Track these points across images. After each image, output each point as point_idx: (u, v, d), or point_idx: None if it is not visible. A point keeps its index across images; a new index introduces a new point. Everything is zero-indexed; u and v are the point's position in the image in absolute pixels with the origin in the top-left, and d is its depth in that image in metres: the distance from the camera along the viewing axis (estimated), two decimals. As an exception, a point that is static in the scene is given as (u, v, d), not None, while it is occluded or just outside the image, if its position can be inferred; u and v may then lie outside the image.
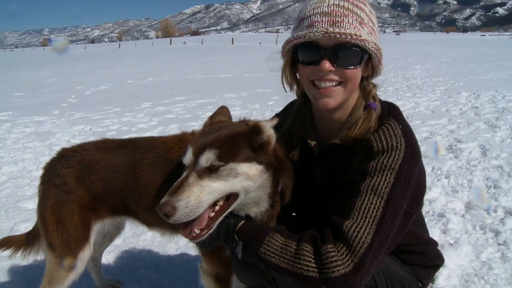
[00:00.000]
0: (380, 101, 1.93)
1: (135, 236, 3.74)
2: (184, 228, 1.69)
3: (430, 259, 2.13)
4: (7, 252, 2.63)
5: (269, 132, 1.78)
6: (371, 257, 1.57)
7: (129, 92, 13.72)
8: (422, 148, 5.87)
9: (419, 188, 1.82)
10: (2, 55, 48.12)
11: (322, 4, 1.73)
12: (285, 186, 1.89)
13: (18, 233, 3.87)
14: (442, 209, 3.92)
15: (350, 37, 1.66)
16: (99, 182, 2.24)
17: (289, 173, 1.90)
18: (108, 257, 3.43)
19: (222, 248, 1.94)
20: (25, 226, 3.98)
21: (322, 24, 1.70)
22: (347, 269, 1.53)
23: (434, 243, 2.21)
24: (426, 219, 3.52)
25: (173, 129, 7.88)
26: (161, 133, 7.65)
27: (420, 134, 6.52)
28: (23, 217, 4.27)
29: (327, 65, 1.73)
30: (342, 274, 1.53)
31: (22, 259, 2.65)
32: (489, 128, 6.82)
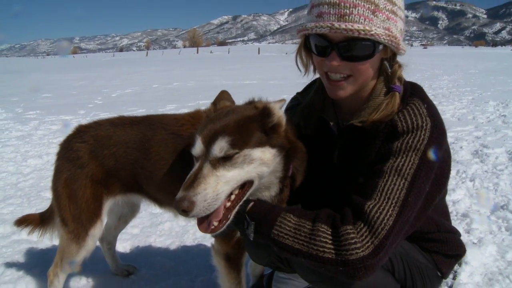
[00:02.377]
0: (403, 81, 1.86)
1: (153, 226, 3.74)
2: (200, 222, 1.63)
3: (451, 247, 2.05)
4: (26, 229, 2.65)
5: (279, 113, 1.74)
6: (392, 240, 1.51)
7: (154, 95, 13.86)
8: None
9: (443, 169, 1.75)
10: (34, 62, 49.42)
11: None
12: (295, 170, 1.84)
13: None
14: (466, 210, 3.81)
15: (357, 33, 1.59)
16: (112, 157, 2.24)
17: (301, 156, 1.84)
18: (125, 244, 3.44)
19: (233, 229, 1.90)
20: (46, 213, 4.03)
21: (329, 16, 1.62)
22: (366, 252, 1.48)
23: (455, 232, 2.13)
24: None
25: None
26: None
27: (445, 140, 6.39)
28: (44, 205, 4.28)
29: (335, 60, 1.68)
30: (360, 256, 1.47)
31: (39, 237, 2.67)
32: (517, 136, 6.62)
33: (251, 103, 1.86)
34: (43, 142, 7.35)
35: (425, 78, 17.11)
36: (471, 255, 2.90)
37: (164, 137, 2.15)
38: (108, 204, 2.32)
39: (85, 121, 8.96)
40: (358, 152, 1.79)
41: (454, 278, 2.68)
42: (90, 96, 13.77)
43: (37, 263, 3.16)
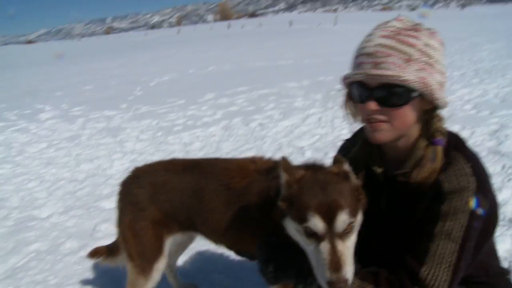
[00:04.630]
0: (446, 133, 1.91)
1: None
2: None
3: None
4: (97, 260, 2.93)
5: (354, 177, 1.81)
6: None
7: (191, 82, 14.07)
8: (491, 143, 5.71)
9: (491, 220, 1.83)
10: (70, 46, 50.49)
11: (369, 43, 1.78)
12: None
13: (100, 233, 4.25)
14: None
15: (390, 78, 1.70)
16: (168, 203, 2.44)
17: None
18: (183, 258, 3.66)
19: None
20: (105, 226, 4.33)
21: (366, 65, 1.76)
22: None
23: (505, 273, 2.19)
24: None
25: (237, 123, 8.09)
26: (226, 127, 7.87)
27: (488, 127, 6.28)
28: (103, 217, 4.60)
29: (371, 105, 1.78)
30: None
31: (108, 266, 2.94)
32: None
33: (325, 167, 1.92)
34: (91, 143, 7.69)
35: (464, 50, 16.50)
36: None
37: (216, 188, 2.29)
38: (168, 241, 2.55)
39: (127, 117, 9.38)
40: (405, 203, 1.88)
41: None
42: (129, 86, 14.10)
43: (107, 280, 3.44)
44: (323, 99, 9.44)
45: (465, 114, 7.24)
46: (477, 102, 7.93)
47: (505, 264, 3.11)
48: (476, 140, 5.80)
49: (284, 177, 1.78)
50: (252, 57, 20.27)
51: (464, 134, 5.81)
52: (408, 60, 1.72)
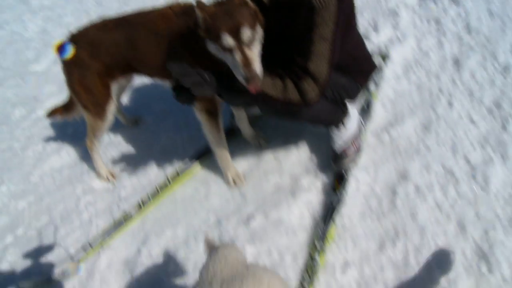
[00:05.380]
0: None
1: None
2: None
3: (366, 68, 2.89)
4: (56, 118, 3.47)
5: (251, 4, 2.28)
6: (328, 81, 2.34)
7: None
8: None
9: (351, 14, 2.49)
10: None
11: None
12: None
13: (43, 96, 4.59)
14: (396, 4, 4.31)
15: None
16: (108, 56, 2.88)
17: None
18: (125, 98, 4.18)
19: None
20: (47, 88, 4.68)
21: None
22: (315, 93, 2.31)
23: (367, 58, 2.90)
24: (379, 15, 4.19)
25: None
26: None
27: None
28: (40, 80, 4.88)
29: None
30: (313, 96, 2.32)
31: (67, 120, 3.50)
32: None
33: (226, 2, 2.31)
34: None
35: None
36: (395, 51, 3.70)
37: (146, 35, 2.74)
38: (114, 86, 3.06)
39: None
40: (288, 19, 2.37)
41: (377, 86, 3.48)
42: None
43: (63, 133, 4.01)
44: None
45: None
46: None
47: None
48: None
49: (200, 14, 2.25)
50: None
51: None
52: None
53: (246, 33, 2.16)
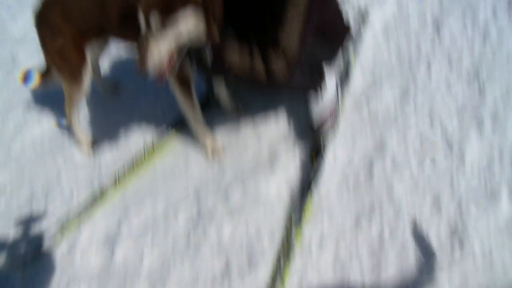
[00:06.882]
0: None
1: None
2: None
3: (340, 36, 2.76)
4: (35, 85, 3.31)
5: None
6: (299, 54, 2.25)
7: None
8: None
9: None
10: None
11: None
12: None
13: (20, 62, 4.49)
14: None
15: None
16: (79, 19, 2.84)
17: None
18: (104, 68, 4.06)
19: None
20: (22, 54, 4.58)
21: None
22: (285, 67, 2.22)
23: (346, 28, 2.78)
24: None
25: None
26: None
27: None
28: (17, 43, 4.75)
29: None
30: (283, 71, 2.23)
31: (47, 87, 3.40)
32: None
33: None
34: None
35: None
36: (375, 16, 3.67)
37: None
38: (88, 49, 3.02)
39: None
40: None
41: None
42: None
43: (51, 103, 3.97)
44: None
45: None
46: None
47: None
48: None
49: None
50: None
51: None
52: None
53: (154, 18, 2.03)
